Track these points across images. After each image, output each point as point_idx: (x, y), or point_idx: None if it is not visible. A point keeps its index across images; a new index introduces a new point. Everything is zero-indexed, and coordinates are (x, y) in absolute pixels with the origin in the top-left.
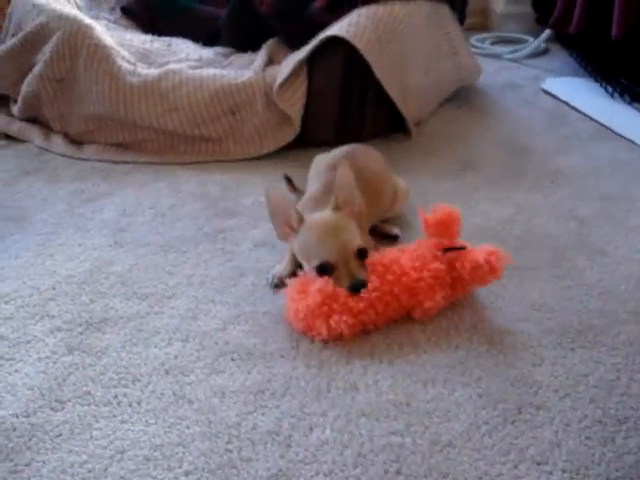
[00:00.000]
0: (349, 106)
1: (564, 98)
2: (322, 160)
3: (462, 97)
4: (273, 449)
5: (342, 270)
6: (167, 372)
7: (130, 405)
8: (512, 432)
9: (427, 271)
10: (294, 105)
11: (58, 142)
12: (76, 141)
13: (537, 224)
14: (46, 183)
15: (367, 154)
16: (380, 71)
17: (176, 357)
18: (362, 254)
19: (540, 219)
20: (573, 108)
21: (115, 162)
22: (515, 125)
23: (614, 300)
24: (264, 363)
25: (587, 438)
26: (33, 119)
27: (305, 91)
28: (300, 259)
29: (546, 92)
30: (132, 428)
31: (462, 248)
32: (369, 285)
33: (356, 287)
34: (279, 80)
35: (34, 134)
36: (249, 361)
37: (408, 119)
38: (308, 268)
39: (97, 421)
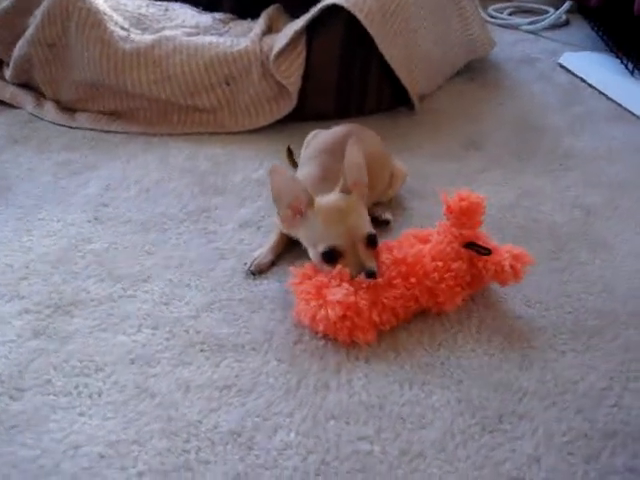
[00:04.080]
0: (350, 78)
1: (581, 74)
2: (318, 139)
3: (474, 70)
4: (233, 451)
5: (350, 257)
6: (132, 362)
7: (90, 397)
8: (489, 443)
9: (449, 272)
10: (291, 76)
11: (50, 109)
12: (68, 108)
13: (541, 211)
14: (34, 152)
15: (365, 135)
16: (382, 42)
17: (144, 346)
18: (372, 241)
19: (544, 206)
20: (589, 85)
21: (106, 132)
22: (527, 102)
23: (614, 300)
24: (234, 356)
25: (570, 454)
26: (26, 84)
27: (303, 62)
28: (306, 245)
29: (563, 67)
30: (89, 422)
31: (487, 252)
32: (393, 292)
33: (366, 277)
34: (276, 50)
35: (26, 100)
36: (219, 353)
37: (412, 93)
38: (314, 254)
39: (55, 412)
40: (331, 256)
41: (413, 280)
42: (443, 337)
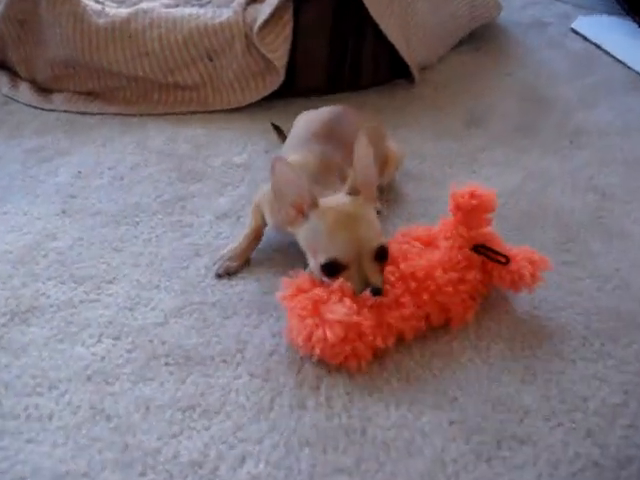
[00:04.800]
0: (343, 49)
1: (595, 40)
2: (306, 123)
3: (480, 37)
4: None
5: (354, 272)
6: (89, 378)
7: (40, 420)
8: (485, 474)
9: (463, 284)
10: (278, 49)
11: (25, 90)
12: (44, 89)
13: (548, 195)
14: (4, 139)
15: (355, 116)
16: (376, 10)
17: (103, 359)
18: (381, 255)
19: (552, 189)
20: (605, 52)
21: (82, 113)
22: (536, 71)
23: (631, 298)
24: (202, 370)
25: None
26: (1, 65)
27: (290, 33)
28: (305, 249)
29: (576, 32)
30: (37, 449)
31: (505, 262)
32: (401, 312)
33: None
34: (260, 21)
35: (1, 81)
36: (184, 367)
37: (411, 65)
38: (312, 263)
39: (1, 438)
40: (333, 269)
41: (425, 297)
42: (436, 346)
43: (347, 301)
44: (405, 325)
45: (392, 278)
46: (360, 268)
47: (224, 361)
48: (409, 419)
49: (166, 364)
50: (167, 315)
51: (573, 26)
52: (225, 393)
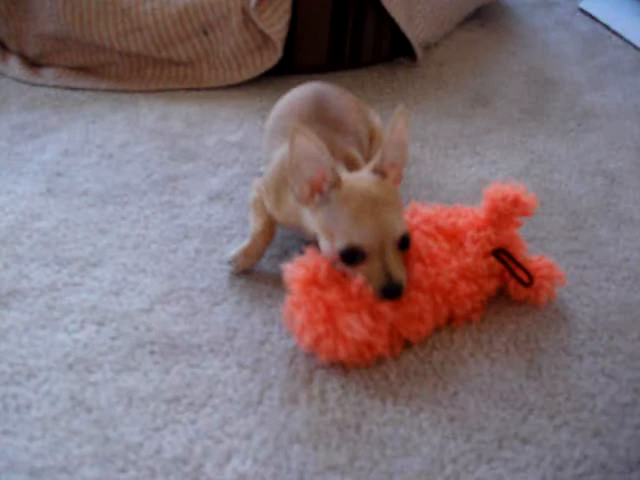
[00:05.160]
0: (344, 24)
1: (604, 20)
2: (293, 105)
3: (484, 16)
4: None
5: (376, 262)
6: (70, 367)
7: (18, 410)
8: (486, 476)
9: (480, 294)
10: (276, 24)
11: (14, 65)
12: (34, 63)
13: (555, 180)
14: None
15: (337, 92)
16: None
17: (85, 346)
18: (405, 243)
19: (559, 173)
20: (614, 33)
21: (73, 89)
22: (542, 52)
23: None
24: (188, 359)
25: None
26: None
27: (289, 7)
28: (318, 232)
29: (584, 12)
30: (14, 443)
31: (528, 283)
32: (419, 328)
33: (391, 294)
34: None
35: None
36: (170, 356)
37: (414, 42)
38: (328, 247)
39: None
40: (352, 256)
41: (444, 311)
42: (436, 337)
43: (365, 318)
44: (416, 337)
45: (424, 284)
46: (382, 259)
47: (212, 350)
48: (406, 415)
49: (151, 352)
50: (153, 301)
51: (581, 6)
52: (212, 384)
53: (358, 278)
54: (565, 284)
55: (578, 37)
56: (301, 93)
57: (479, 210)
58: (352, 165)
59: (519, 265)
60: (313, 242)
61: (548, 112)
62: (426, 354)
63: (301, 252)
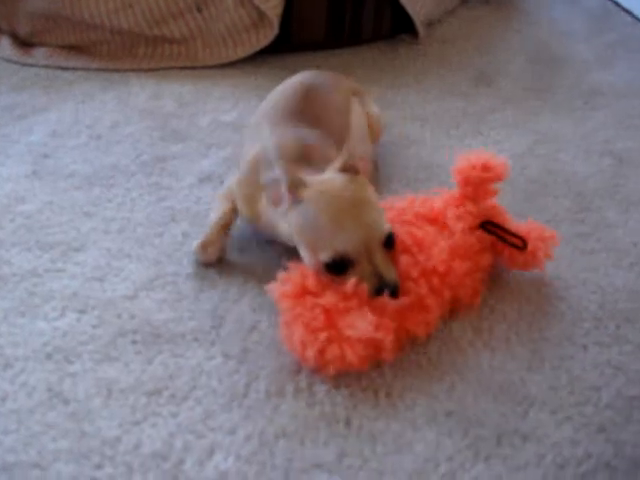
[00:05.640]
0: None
1: None
2: (279, 96)
3: None
4: None
5: (365, 266)
6: (49, 356)
7: None
8: (483, 475)
9: (478, 271)
10: (271, 0)
11: (5, 45)
12: (26, 43)
13: (560, 160)
14: None
15: (332, 80)
16: None
17: (65, 335)
18: (390, 242)
19: (565, 153)
20: (623, 9)
21: (64, 68)
22: (549, 28)
23: None
24: (172, 349)
25: None
26: None
27: None
28: (300, 240)
29: None
30: None
31: (522, 246)
32: (425, 317)
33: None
34: None
35: None
36: (153, 345)
37: (416, 19)
38: (311, 260)
39: None
40: (340, 267)
41: (447, 295)
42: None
43: (367, 313)
44: (425, 329)
45: (414, 273)
46: (371, 262)
47: (196, 339)
48: (400, 409)
49: (133, 342)
50: (137, 287)
51: None
52: (196, 376)
53: (348, 282)
54: (557, 243)
55: (586, 14)
56: (288, 87)
57: (452, 190)
58: (328, 164)
59: (509, 232)
60: (288, 247)
61: (554, 91)
62: (422, 344)
63: (284, 268)
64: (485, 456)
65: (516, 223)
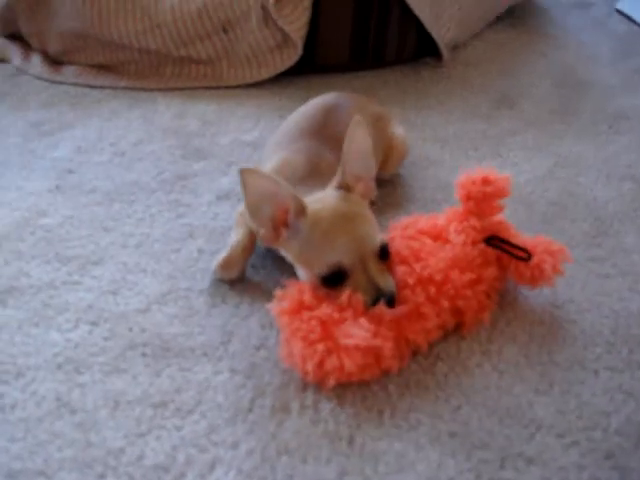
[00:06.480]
0: (367, 22)
1: None
2: (299, 116)
3: (516, 15)
4: None
5: (360, 277)
6: (59, 367)
7: (2, 410)
8: None
9: (480, 284)
10: (296, 21)
11: (36, 63)
12: (56, 61)
13: (581, 184)
14: (9, 110)
15: (357, 102)
16: None
17: (76, 346)
18: (384, 253)
19: (586, 177)
20: None
21: (92, 87)
22: (575, 53)
23: None
24: (180, 363)
25: None
26: (14, 36)
27: (309, 4)
28: (295, 264)
29: (621, 13)
30: None
31: (526, 258)
32: (423, 325)
33: (385, 305)
34: None
35: (14, 53)
36: (162, 359)
37: (440, 42)
38: (308, 277)
39: None
40: (336, 278)
41: (445, 304)
42: (442, 346)
43: (363, 322)
44: (425, 338)
45: (410, 281)
46: (366, 273)
47: (205, 354)
48: (404, 429)
49: (143, 355)
50: (150, 301)
51: (618, 6)
52: (202, 390)
53: (343, 293)
54: (570, 260)
55: (613, 38)
56: (312, 105)
57: (457, 207)
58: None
59: (514, 245)
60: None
61: (578, 114)
62: (430, 364)
63: (282, 287)
64: (488, 478)
65: (523, 238)
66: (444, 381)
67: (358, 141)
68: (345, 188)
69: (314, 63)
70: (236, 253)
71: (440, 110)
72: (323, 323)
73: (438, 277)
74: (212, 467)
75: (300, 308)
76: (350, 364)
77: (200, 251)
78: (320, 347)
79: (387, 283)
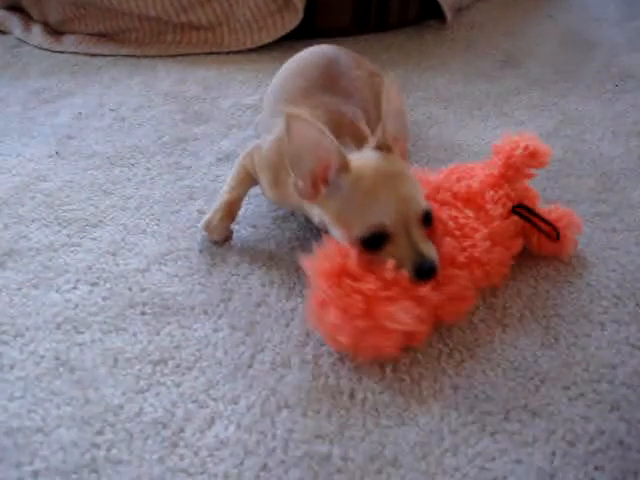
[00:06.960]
0: None
1: None
2: (301, 69)
3: None
4: (153, 448)
5: (401, 241)
6: (58, 326)
7: (1, 369)
8: (488, 450)
9: (511, 259)
10: None
11: (37, 33)
12: (56, 31)
13: (586, 141)
14: (10, 80)
15: (351, 58)
16: None
17: (76, 306)
18: (428, 220)
19: (592, 134)
20: None
21: (92, 55)
22: (581, 13)
23: None
24: (180, 321)
25: (597, 469)
26: (14, 7)
27: None
28: (331, 223)
29: None
30: None
31: (554, 237)
32: (463, 306)
33: (426, 273)
34: None
35: (14, 24)
36: (161, 317)
37: (443, 4)
38: (346, 237)
39: None
40: (377, 240)
41: (483, 284)
42: None
43: (409, 305)
44: (456, 319)
45: (460, 259)
46: (409, 237)
47: (205, 312)
48: (406, 382)
49: (142, 313)
50: (150, 261)
51: None
52: (202, 347)
53: (387, 263)
54: (582, 232)
55: None
56: (312, 57)
57: (486, 165)
58: (362, 141)
59: (542, 219)
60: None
61: (583, 73)
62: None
63: (318, 242)
64: (491, 431)
65: (545, 209)
66: (447, 335)
67: (395, 100)
68: (385, 149)
69: (315, 27)
70: (215, 219)
71: (443, 71)
72: (367, 299)
73: (484, 258)
74: (211, 422)
75: (341, 273)
76: (389, 346)
77: (200, 212)
78: (361, 324)
79: (430, 251)
